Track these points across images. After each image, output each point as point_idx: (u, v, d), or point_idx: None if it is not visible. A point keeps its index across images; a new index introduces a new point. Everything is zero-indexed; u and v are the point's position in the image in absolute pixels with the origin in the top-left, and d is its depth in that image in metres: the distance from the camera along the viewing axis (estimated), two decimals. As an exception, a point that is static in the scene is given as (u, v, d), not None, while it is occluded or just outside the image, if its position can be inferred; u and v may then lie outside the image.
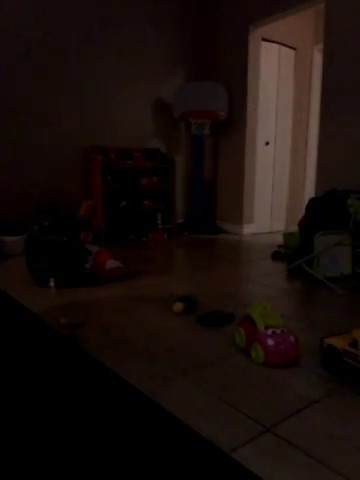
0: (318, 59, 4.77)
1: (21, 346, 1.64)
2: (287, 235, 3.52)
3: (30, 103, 3.88)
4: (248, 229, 4.77)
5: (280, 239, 3.79)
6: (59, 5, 3.92)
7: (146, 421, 1.14)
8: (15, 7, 3.69)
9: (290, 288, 2.65)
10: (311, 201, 3.02)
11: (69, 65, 4.05)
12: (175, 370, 1.44)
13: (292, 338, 1.49)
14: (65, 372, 1.43)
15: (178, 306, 2.01)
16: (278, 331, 1.49)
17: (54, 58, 3.95)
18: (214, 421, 1.15)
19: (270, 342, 1.46)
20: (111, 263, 2.59)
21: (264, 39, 4.51)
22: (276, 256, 3.39)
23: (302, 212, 3.08)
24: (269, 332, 1.48)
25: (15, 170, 3.85)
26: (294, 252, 2.98)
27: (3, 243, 3.36)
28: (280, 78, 4.79)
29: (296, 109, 4.99)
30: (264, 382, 1.37)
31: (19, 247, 3.25)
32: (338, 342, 1.39)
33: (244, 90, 4.47)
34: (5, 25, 3.67)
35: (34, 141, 3.95)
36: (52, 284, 2.46)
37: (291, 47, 4.80)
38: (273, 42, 4.62)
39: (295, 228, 3.15)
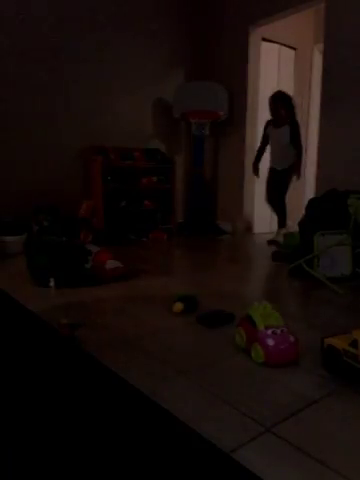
0: (318, 59, 4.76)
1: (21, 346, 1.64)
2: (287, 235, 3.52)
3: (30, 103, 3.88)
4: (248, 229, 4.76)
5: (280, 239, 3.79)
6: (59, 5, 3.91)
7: (146, 421, 1.14)
8: (14, 4, 3.69)
9: (290, 288, 2.65)
10: (311, 201, 3.02)
11: (69, 65, 4.05)
12: (175, 370, 1.44)
13: (292, 338, 1.49)
14: (65, 372, 1.43)
15: (178, 306, 2.01)
16: (278, 331, 1.49)
17: (54, 58, 3.95)
18: (214, 421, 1.15)
19: (270, 342, 1.46)
20: (111, 263, 2.58)
21: (264, 39, 4.51)
22: (276, 256, 3.39)
23: (302, 212, 3.07)
24: (269, 332, 1.48)
25: (15, 170, 3.85)
26: (294, 252, 2.97)
27: (3, 243, 3.36)
28: (280, 78, 4.79)
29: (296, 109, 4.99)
30: (264, 382, 1.37)
31: (19, 247, 3.24)
32: (338, 342, 1.39)
33: (244, 90, 4.47)
34: (4, 25, 3.67)
35: (34, 141, 3.95)
36: (52, 284, 2.46)
37: (291, 47, 4.80)
38: (273, 42, 4.62)
39: (295, 228, 3.15)
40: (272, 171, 4.20)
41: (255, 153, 4.29)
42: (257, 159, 4.23)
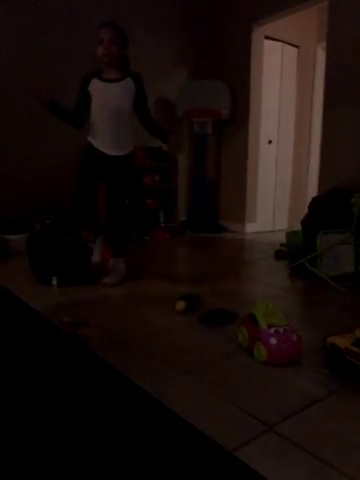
0: (321, 57, 4.75)
1: (24, 344, 1.64)
2: (290, 234, 3.51)
3: (32, 103, 3.88)
4: (251, 228, 4.76)
5: (283, 238, 3.78)
6: (60, 4, 3.91)
7: (149, 419, 1.14)
8: (18, 8, 3.70)
9: (293, 287, 2.65)
10: (314, 200, 3.01)
11: (71, 65, 4.04)
12: (178, 368, 1.44)
13: (294, 337, 1.49)
14: (68, 370, 1.43)
15: (180, 305, 2.01)
16: (281, 330, 1.48)
17: (55, 57, 3.95)
18: (217, 419, 1.15)
19: (272, 341, 1.46)
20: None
21: (267, 37, 4.50)
22: (279, 255, 3.39)
23: (305, 211, 3.07)
24: (272, 331, 1.48)
25: (17, 169, 3.85)
26: (297, 251, 2.97)
27: (6, 241, 3.36)
28: (283, 76, 4.78)
29: (299, 107, 4.98)
30: (266, 381, 1.36)
31: (21, 245, 3.25)
32: (341, 341, 1.39)
33: (247, 88, 4.46)
34: (6, 18, 3.67)
35: (36, 140, 3.95)
36: (54, 282, 2.46)
37: (294, 45, 4.79)
38: (276, 40, 4.60)
39: (298, 227, 3.14)
40: (98, 157, 2.46)
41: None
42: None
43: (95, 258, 2.57)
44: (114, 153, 2.45)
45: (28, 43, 3.78)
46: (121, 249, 2.58)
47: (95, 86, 2.44)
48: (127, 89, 2.41)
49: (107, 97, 2.40)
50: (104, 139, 2.44)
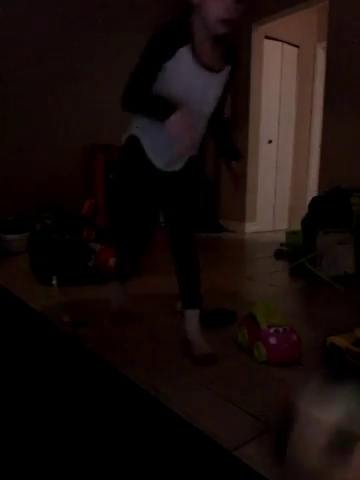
0: (321, 57, 4.75)
1: (24, 344, 1.64)
2: (290, 234, 3.51)
3: (32, 103, 3.88)
4: (251, 227, 4.76)
5: (283, 237, 3.78)
6: (59, 6, 3.91)
7: (148, 419, 1.14)
8: (19, 9, 3.69)
9: (293, 287, 2.64)
10: (314, 199, 3.01)
11: (72, 65, 4.05)
12: (178, 368, 1.44)
13: (294, 337, 1.49)
14: (68, 370, 1.43)
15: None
16: (281, 330, 1.49)
17: (56, 58, 3.95)
18: (216, 419, 1.15)
19: (272, 341, 1.46)
20: (114, 261, 2.59)
21: (267, 37, 4.50)
22: (279, 255, 3.39)
23: (305, 210, 3.07)
24: (271, 331, 1.48)
25: (18, 168, 3.85)
26: (297, 251, 2.97)
27: (6, 241, 3.37)
28: (283, 76, 4.78)
29: (299, 107, 4.98)
30: (266, 381, 1.36)
31: (22, 245, 3.25)
32: (341, 341, 1.39)
33: (247, 88, 4.46)
34: (9, 27, 3.67)
35: (36, 140, 3.95)
36: (55, 282, 2.46)
37: (294, 45, 4.79)
38: (276, 40, 4.60)
39: (298, 226, 3.14)
40: (159, 179, 1.64)
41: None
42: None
43: (121, 301, 1.95)
44: (179, 167, 1.63)
45: (33, 43, 3.79)
46: (198, 295, 1.68)
47: (186, 67, 1.39)
48: (222, 83, 1.55)
49: (203, 95, 1.47)
50: (176, 155, 1.50)
